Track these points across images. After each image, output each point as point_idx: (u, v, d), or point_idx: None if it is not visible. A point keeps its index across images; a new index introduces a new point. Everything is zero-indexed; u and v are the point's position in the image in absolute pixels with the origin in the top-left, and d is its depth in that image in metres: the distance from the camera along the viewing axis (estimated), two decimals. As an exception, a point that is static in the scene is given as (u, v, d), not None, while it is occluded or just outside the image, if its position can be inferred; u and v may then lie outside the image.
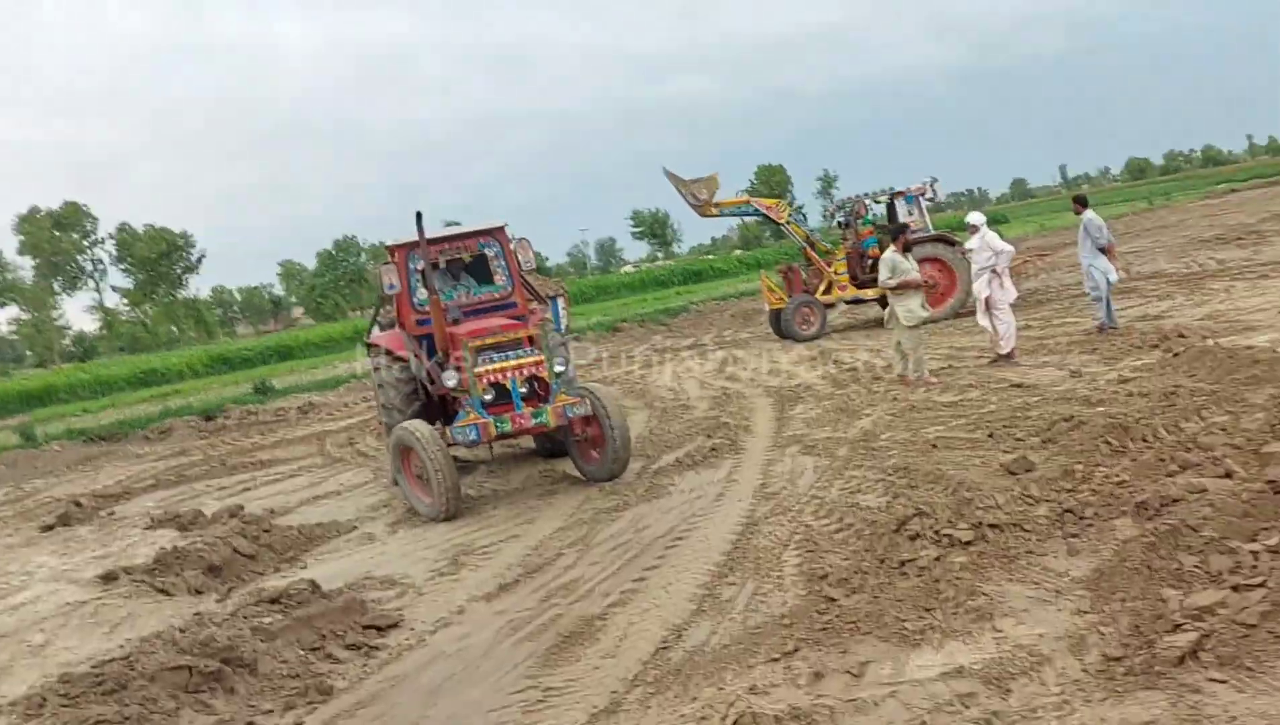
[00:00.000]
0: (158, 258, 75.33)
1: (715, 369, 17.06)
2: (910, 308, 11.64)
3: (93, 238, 77.40)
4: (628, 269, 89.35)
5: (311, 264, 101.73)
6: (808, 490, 7.86)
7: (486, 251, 10.97)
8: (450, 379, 9.47)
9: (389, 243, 11.01)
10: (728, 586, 6.04)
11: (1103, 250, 13.30)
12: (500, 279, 11.04)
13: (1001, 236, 13.61)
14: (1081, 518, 5.92)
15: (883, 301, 18.03)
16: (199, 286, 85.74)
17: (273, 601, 6.43)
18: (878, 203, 19.89)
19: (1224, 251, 22.94)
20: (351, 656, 5.89)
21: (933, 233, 18.93)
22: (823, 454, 8.95)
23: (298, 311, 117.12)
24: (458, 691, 5.15)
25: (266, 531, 8.93)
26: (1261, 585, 4.49)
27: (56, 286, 77.59)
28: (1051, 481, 6.58)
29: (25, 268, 78.33)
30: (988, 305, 12.25)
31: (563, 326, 18.17)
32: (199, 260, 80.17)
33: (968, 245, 13.28)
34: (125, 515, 11.30)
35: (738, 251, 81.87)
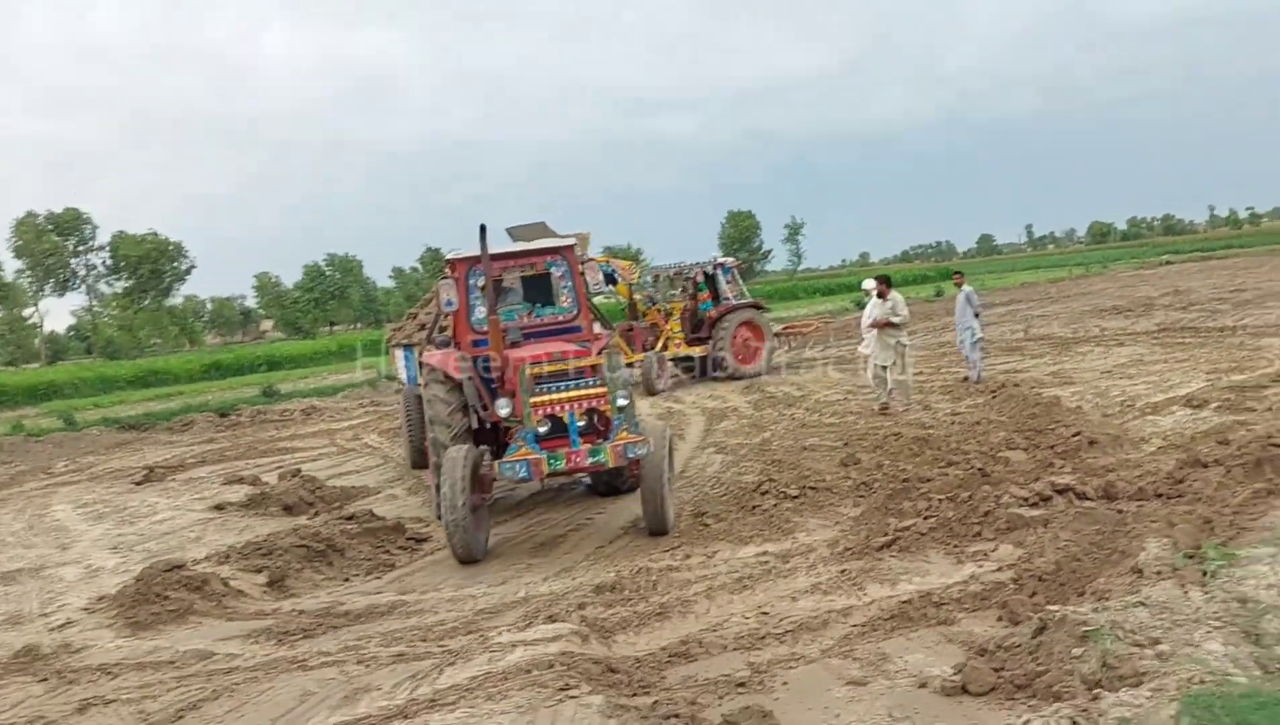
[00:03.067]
0: (146, 262, 78.20)
1: (664, 394, 20.47)
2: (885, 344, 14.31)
3: (89, 244, 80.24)
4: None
5: (285, 276, 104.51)
6: (711, 474, 11.29)
7: (553, 271, 10.42)
8: (503, 408, 9.02)
9: (450, 256, 10.57)
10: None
11: (976, 316, 16.86)
12: (566, 301, 10.40)
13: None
14: (870, 488, 9.40)
15: (710, 361, 21.43)
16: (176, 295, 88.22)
17: (348, 518, 9.77)
18: (704, 272, 22.21)
19: (1112, 320, 26.63)
20: (402, 553, 9.23)
21: (747, 300, 22.19)
22: (729, 453, 12.38)
23: (266, 324, 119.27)
24: (476, 569, 8.51)
25: (319, 488, 12.21)
26: (935, 516, 8.01)
27: (48, 290, 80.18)
28: (865, 469, 10.06)
29: (11, 269, 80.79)
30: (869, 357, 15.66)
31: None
32: (188, 271, 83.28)
33: (869, 308, 16.48)
34: (196, 477, 14.54)
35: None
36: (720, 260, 22.85)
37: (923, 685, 5.04)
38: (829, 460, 10.84)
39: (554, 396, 8.65)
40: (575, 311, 10.34)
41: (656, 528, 8.77)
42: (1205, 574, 5.34)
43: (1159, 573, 5.48)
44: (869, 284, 16.41)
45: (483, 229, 9.17)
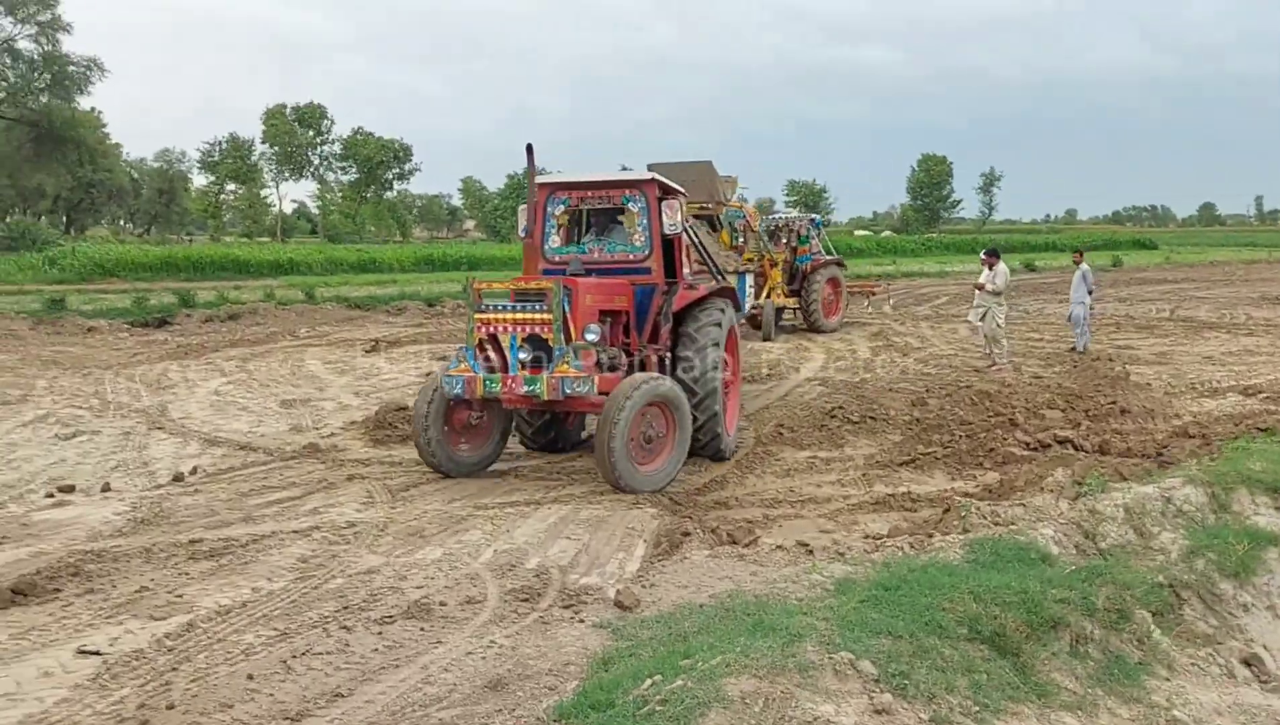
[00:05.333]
0: (380, 161, 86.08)
1: (801, 330, 22.97)
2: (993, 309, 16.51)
3: (325, 136, 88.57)
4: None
5: (489, 182, 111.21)
6: (805, 402, 13.92)
7: (630, 206, 9.70)
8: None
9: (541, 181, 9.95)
10: (739, 431, 12.25)
11: (1089, 292, 18.57)
12: (639, 239, 9.70)
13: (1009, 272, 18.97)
14: (922, 423, 11.88)
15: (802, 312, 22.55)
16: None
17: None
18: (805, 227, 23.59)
19: (1267, 310, 27.05)
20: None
21: (832, 256, 23.60)
22: (828, 387, 14.94)
23: (469, 224, 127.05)
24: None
25: (503, 372, 15.55)
26: (952, 448, 10.49)
27: (286, 173, 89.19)
28: (927, 410, 12.49)
29: (256, 152, 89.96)
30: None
31: (745, 307, 19.38)
32: (412, 171, 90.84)
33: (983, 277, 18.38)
34: (410, 351, 18.29)
35: (888, 232, 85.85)
36: (813, 216, 24.29)
37: (866, 537, 7.74)
38: (903, 400, 13.28)
39: (493, 315, 8.52)
40: (647, 251, 9.69)
41: (610, 481, 8.27)
42: (1081, 494, 7.76)
43: (1053, 491, 7.92)
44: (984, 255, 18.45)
45: (529, 149, 8.51)
